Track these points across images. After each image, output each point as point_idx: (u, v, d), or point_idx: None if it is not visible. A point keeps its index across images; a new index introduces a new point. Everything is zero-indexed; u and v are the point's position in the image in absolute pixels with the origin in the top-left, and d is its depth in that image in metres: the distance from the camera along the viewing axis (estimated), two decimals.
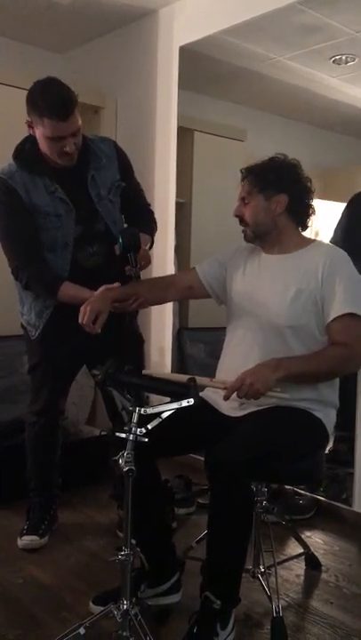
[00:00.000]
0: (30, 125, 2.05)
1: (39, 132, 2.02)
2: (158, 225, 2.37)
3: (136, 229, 2.09)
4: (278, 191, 1.86)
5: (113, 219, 2.22)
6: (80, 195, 2.16)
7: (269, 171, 1.88)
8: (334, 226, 2.87)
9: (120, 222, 2.28)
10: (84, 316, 1.86)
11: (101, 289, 1.95)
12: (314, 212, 1.93)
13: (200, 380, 1.69)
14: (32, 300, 2.23)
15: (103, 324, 1.89)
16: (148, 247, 2.21)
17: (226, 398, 1.70)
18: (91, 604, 1.85)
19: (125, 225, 2.32)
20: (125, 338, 2.22)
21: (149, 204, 2.40)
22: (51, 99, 1.96)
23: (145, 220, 2.31)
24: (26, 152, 2.13)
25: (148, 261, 2.13)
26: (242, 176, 1.93)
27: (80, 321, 1.87)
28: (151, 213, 2.37)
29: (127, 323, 2.21)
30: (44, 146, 2.05)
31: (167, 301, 2.38)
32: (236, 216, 1.93)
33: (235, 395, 1.68)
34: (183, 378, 1.63)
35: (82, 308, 1.88)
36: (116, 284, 1.98)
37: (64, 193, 2.12)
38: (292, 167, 1.89)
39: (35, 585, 2.04)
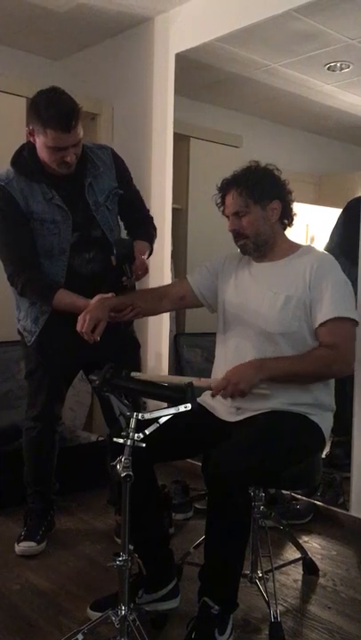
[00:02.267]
0: (32, 133, 2.04)
1: (40, 141, 2.02)
2: None
3: (129, 240, 2.08)
4: (272, 198, 1.87)
5: (110, 226, 2.23)
6: (77, 202, 2.16)
7: (259, 179, 1.87)
8: (330, 231, 2.88)
9: (117, 229, 2.28)
10: (83, 324, 1.86)
11: (97, 297, 1.96)
12: (295, 213, 1.95)
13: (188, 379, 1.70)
14: (28, 307, 2.23)
15: (102, 331, 1.89)
16: (146, 255, 2.21)
17: (213, 396, 1.74)
18: (88, 609, 1.85)
19: (125, 232, 2.32)
20: (122, 343, 2.22)
21: (149, 211, 2.41)
22: (55, 110, 1.95)
23: (144, 227, 2.31)
24: (24, 158, 2.13)
25: (145, 270, 2.13)
26: (225, 189, 1.90)
27: (79, 329, 1.87)
28: (151, 220, 2.38)
29: (123, 328, 2.21)
30: (43, 154, 2.05)
31: (161, 312, 2.35)
32: (233, 230, 1.90)
33: (221, 396, 1.71)
34: (175, 379, 1.64)
35: (80, 317, 1.88)
36: (110, 294, 1.98)
37: (61, 200, 2.13)
38: (275, 173, 1.91)
39: (32, 591, 2.04)
